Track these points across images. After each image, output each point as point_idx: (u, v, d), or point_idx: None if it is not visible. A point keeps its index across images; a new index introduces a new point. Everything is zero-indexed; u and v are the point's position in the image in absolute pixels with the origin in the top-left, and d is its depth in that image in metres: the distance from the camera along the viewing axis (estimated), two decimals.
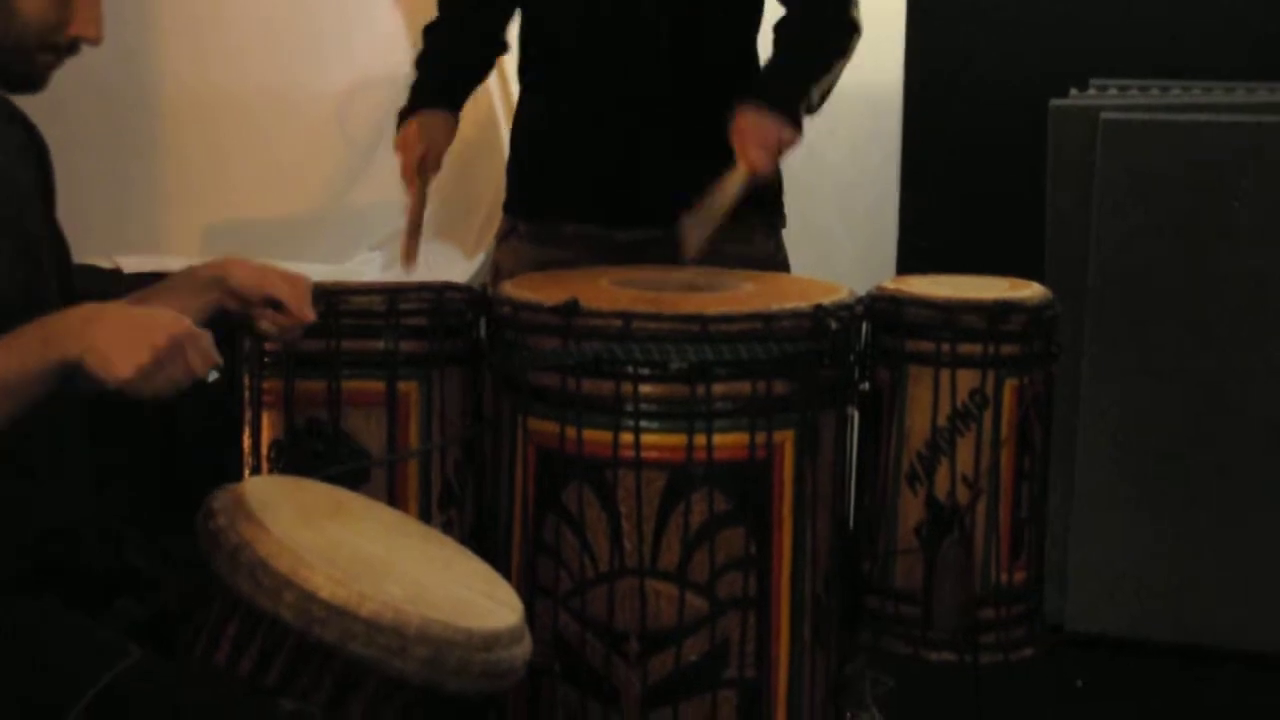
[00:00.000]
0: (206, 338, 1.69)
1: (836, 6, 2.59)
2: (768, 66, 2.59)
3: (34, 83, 1.83)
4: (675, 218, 2.60)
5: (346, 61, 3.97)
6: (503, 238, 2.76)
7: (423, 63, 2.75)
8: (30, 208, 1.87)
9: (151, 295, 1.97)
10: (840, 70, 2.58)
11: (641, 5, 2.55)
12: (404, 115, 2.66)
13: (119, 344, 1.62)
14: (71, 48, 1.82)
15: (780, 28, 2.61)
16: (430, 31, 2.79)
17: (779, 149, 2.45)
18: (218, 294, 1.93)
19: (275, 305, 1.93)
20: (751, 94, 2.46)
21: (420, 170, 2.61)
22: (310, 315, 1.94)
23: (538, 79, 2.71)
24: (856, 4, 2.60)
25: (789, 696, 2.18)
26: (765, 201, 2.72)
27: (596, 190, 2.63)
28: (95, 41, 1.82)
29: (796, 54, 2.57)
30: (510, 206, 2.76)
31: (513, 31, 2.79)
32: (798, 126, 2.46)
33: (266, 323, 1.94)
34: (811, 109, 2.52)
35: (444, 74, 2.72)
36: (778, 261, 2.69)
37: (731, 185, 2.44)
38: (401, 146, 2.62)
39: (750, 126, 2.43)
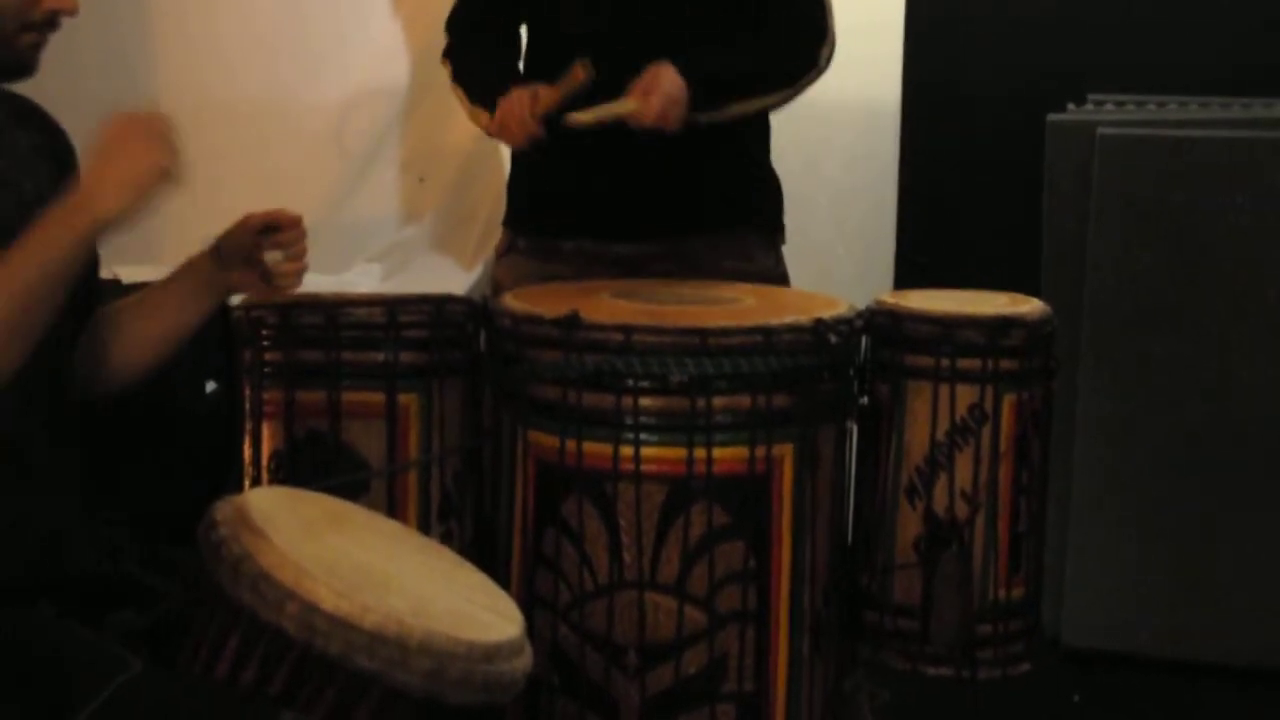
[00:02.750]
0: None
1: (805, 40, 2.57)
2: (711, 54, 2.51)
3: (24, 66, 1.83)
4: (675, 232, 2.61)
5: (343, 74, 3.97)
6: (502, 253, 2.76)
7: (465, 75, 2.64)
8: (34, 213, 1.86)
9: (157, 291, 2.00)
10: (781, 99, 2.56)
11: (642, 23, 2.55)
12: (484, 103, 2.55)
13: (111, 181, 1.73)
14: (51, 23, 1.82)
15: (750, 35, 2.58)
16: (450, 53, 2.70)
17: (671, 119, 2.38)
18: (212, 266, 2.02)
19: (267, 233, 2.02)
20: (679, 64, 2.40)
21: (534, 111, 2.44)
22: (297, 214, 2.03)
23: None
24: (828, 43, 2.57)
25: (787, 710, 2.18)
26: (764, 217, 2.73)
27: (596, 205, 2.63)
28: (72, 11, 1.82)
29: (741, 62, 2.54)
30: (510, 222, 2.77)
31: None
32: (687, 117, 2.40)
33: (269, 252, 2.01)
34: (711, 114, 2.46)
35: (495, 72, 2.61)
36: (777, 276, 2.69)
37: (609, 111, 2.36)
38: (505, 118, 2.45)
39: (666, 81, 2.37)
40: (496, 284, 2.72)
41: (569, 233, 2.67)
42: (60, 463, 1.89)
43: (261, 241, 2.02)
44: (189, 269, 2.03)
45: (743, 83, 2.54)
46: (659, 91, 2.37)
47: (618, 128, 2.38)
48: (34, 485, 1.83)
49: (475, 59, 2.67)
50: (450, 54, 2.72)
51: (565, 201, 2.67)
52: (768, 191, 2.74)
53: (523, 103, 2.41)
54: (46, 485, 1.86)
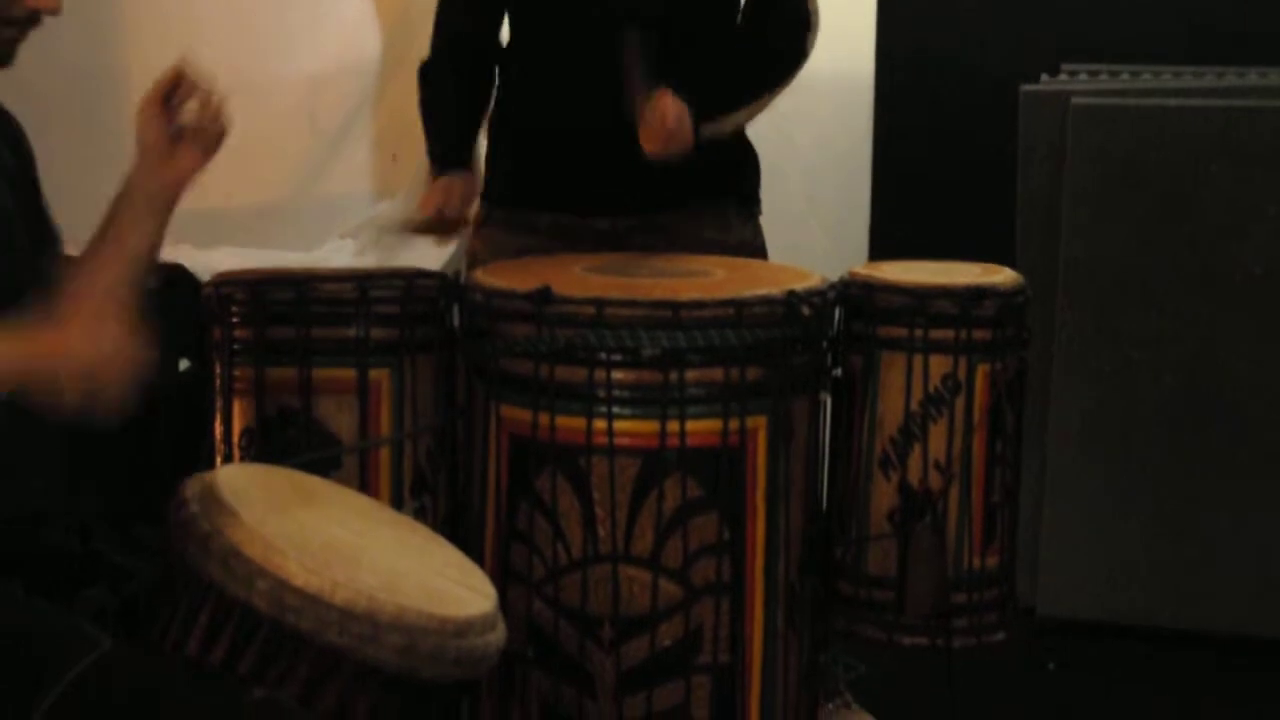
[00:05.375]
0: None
1: (794, 35, 2.58)
2: (708, 82, 2.54)
3: (1, 59, 1.81)
4: (653, 206, 2.60)
5: (315, 50, 3.95)
6: (479, 225, 2.75)
7: (429, 117, 2.70)
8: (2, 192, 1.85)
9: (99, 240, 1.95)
10: (767, 102, 2.59)
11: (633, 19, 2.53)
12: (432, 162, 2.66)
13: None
14: (32, 19, 1.80)
15: (737, 46, 2.61)
16: (426, 76, 2.72)
17: (676, 148, 2.43)
18: (137, 195, 1.95)
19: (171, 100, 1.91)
20: (685, 96, 2.44)
21: (440, 221, 2.59)
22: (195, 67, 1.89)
23: (517, 70, 2.69)
24: (814, 29, 2.59)
25: (762, 682, 2.19)
26: (742, 189, 2.72)
27: (574, 179, 2.62)
28: (55, 11, 1.80)
29: (734, 83, 2.57)
30: (488, 193, 2.75)
31: None
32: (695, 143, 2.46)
33: (186, 110, 1.90)
34: (713, 131, 2.51)
35: (452, 131, 2.67)
36: (755, 247, 2.69)
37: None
38: (422, 205, 2.61)
39: (679, 118, 2.41)
40: (473, 256, 2.71)
41: (546, 205, 2.66)
42: (39, 443, 1.88)
43: (171, 111, 1.93)
44: (119, 203, 1.98)
45: (740, 96, 2.56)
46: (665, 131, 2.39)
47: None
48: (12, 465, 1.82)
49: (439, 107, 2.70)
50: (423, 75, 2.72)
51: (543, 174, 2.66)
52: (745, 164, 2.74)
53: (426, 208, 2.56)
54: (25, 466, 1.85)
